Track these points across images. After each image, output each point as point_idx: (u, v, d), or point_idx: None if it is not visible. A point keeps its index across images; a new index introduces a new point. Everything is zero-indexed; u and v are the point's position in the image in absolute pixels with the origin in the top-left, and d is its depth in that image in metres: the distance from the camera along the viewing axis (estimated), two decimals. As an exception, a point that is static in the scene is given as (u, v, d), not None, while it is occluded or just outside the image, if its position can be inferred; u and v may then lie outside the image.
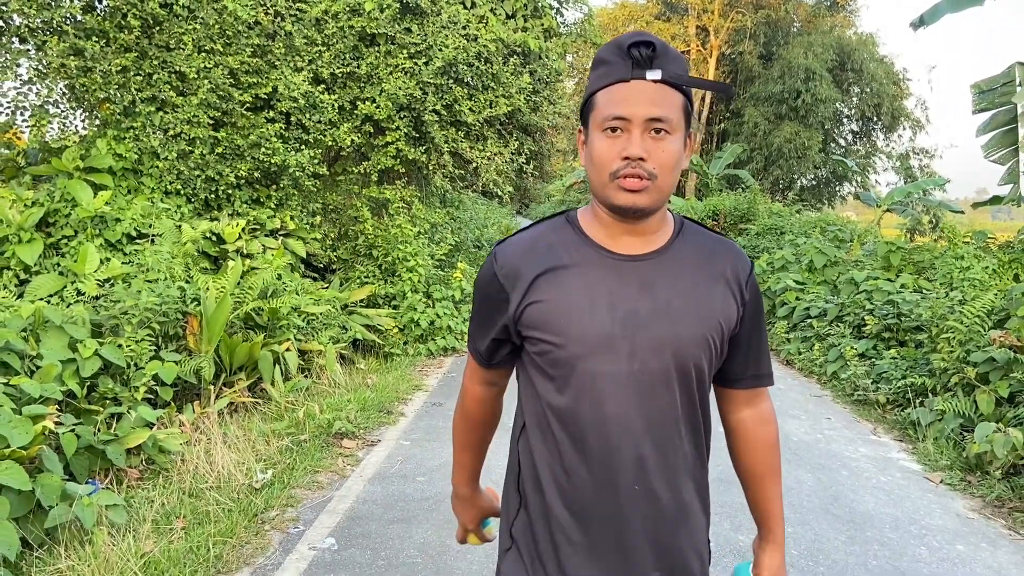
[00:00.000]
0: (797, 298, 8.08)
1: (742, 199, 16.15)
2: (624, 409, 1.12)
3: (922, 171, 28.91)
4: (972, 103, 7.21)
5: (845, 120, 30.46)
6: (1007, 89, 6.90)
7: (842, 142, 30.96)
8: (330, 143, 7.03)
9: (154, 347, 4.73)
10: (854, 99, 28.73)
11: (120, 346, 4.46)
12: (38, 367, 4.06)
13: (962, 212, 17.24)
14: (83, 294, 5.32)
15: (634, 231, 1.15)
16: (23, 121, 6.12)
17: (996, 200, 10.05)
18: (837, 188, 30.58)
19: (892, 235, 12.10)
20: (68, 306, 4.95)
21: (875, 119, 29.46)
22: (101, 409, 4.14)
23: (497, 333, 1.20)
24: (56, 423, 3.65)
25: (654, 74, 1.06)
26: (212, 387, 5.03)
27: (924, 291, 6.58)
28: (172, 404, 4.67)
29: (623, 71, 1.08)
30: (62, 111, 6.30)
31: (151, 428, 4.21)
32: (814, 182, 30.07)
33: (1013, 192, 7.63)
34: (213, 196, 6.56)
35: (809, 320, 7.57)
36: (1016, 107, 6.74)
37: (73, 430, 3.74)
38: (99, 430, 3.97)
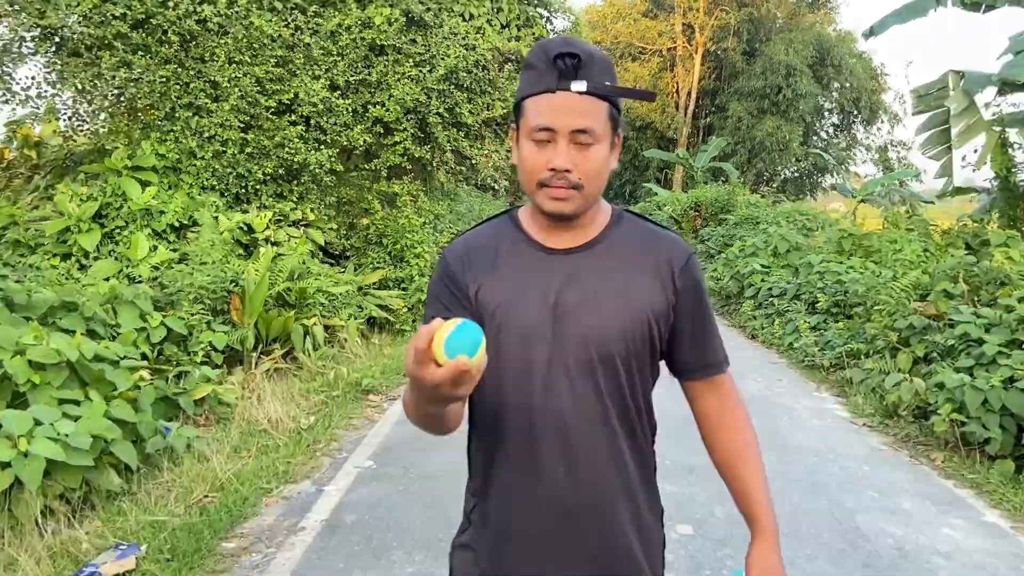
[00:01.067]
0: (762, 280, 9.00)
1: (722, 191, 17.05)
2: (549, 397, 1.13)
3: (900, 163, 29.87)
4: (912, 106, 8.11)
5: (826, 114, 31.45)
6: (941, 94, 7.80)
7: (824, 135, 31.95)
8: (345, 143, 7.86)
9: (206, 320, 5.59)
10: (834, 94, 29.70)
11: (181, 318, 5.32)
12: (118, 334, 4.91)
13: (932, 203, 18.14)
14: (136, 277, 6.16)
15: (566, 226, 1.18)
16: (79, 125, 6.92)
17: (960, 191, 11.01)
18: (819, 180, 31.60)
19: (874, 225, 12.98)
20: (132, 284, 5.79)
21: (855, 113, 30.46)
22: (170, 368, 5.01)
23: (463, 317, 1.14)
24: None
25: (579, 85, 1.08)
26: (253, 355, 5.90)
27: (871, 271, 7.51)
28: (223, 367, 5.53)
29: (549, 81, 1.09)
30: (112, 116, 7.11)
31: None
32: (796, 174, 31.07)
33: (947, 185, 8.56)
34: (243, 191, 7.40)
35: (772, 299, 8.50)
36: (949, 110, 7.65)
37: (152, 383, 4.61)
38: (169, 384, 4.84)
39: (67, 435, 3.32)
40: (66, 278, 5.85)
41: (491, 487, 1.20)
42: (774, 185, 29.84)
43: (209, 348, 5.39)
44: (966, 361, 5.08)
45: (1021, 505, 3.95)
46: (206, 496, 3.58)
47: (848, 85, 28.89)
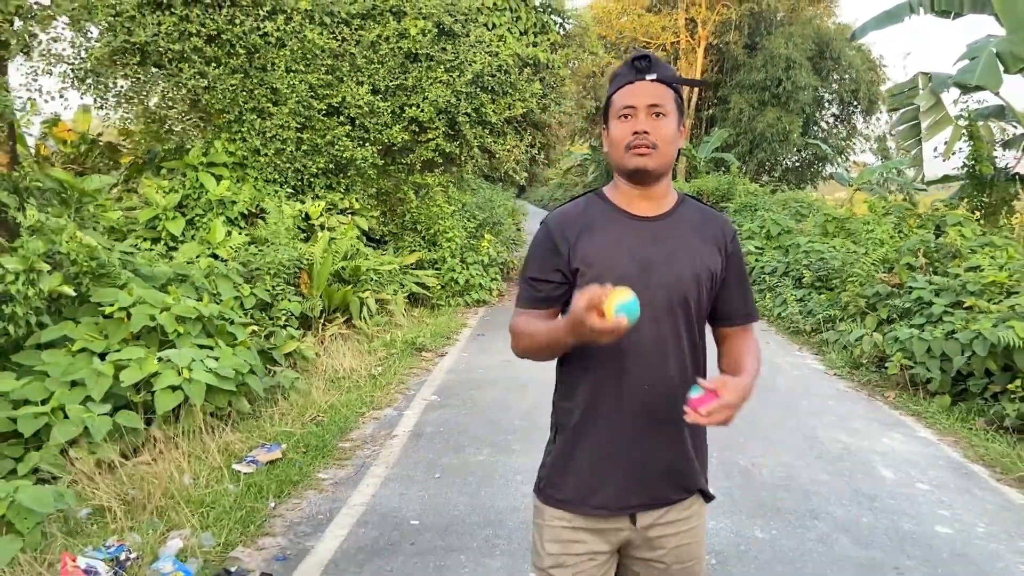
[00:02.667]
0: (756, 260, 10.03)
1: (723, 181, 18.04)
2: (639, 332, 1.39)
3: (899, 152, 30.65)
4: (887, 104, 9.09)
5: (826, 104, 32.29)
6: (912, 93, 8.78)
7: (824, 125, 32.75)
8: (385, 140, 8.90)
9: (285, 292, 6.66)
10: (834, 85, 30.53)
11: (267, 290, 6.40)
12: (220, 300, 5.97)
13: (925, 190, 19.06)
14: (219, 257, 7.23)
15: (647, 196, 1.50)
16: (161, 128, 7.98)
17: (946, 179, 11.99)
18: (820, 169, 32.47)
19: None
20: (224, 263, 6.85)
21: (854, 103, 31.27)
22: (262, 328, 6.08)
23: (553, 276, 1.50)
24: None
25: (651, 76, 1.45)
26: (320, 321, 6.97)
27: (847, 249, 8.54)
28: (300, 330, 6.60)
29: (630, 76, 1.48)
30: (188, 119, 8.17)
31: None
32: (797, 164, 31.94)
33: (917, 174, 9.56)
34: (300, 183, 8.46)
35: (764, 276, 9.53)
36: (919, 107, 8.63)
37: (253, 338, 5.68)
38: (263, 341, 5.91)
39: (215, 369, 4.41)
40: (160, 258, 6.92)
41: (585, 402, 1.50)
42: (775, 175, 30.69)
43: (288, 314, 6.47)
44: (919, 320, 6.13)
45: (950, 426, 5.00)
46: (316, 416, 4.66)
47: (847, 77, 29.73)
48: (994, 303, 5.73)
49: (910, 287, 6.55)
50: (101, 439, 3.84)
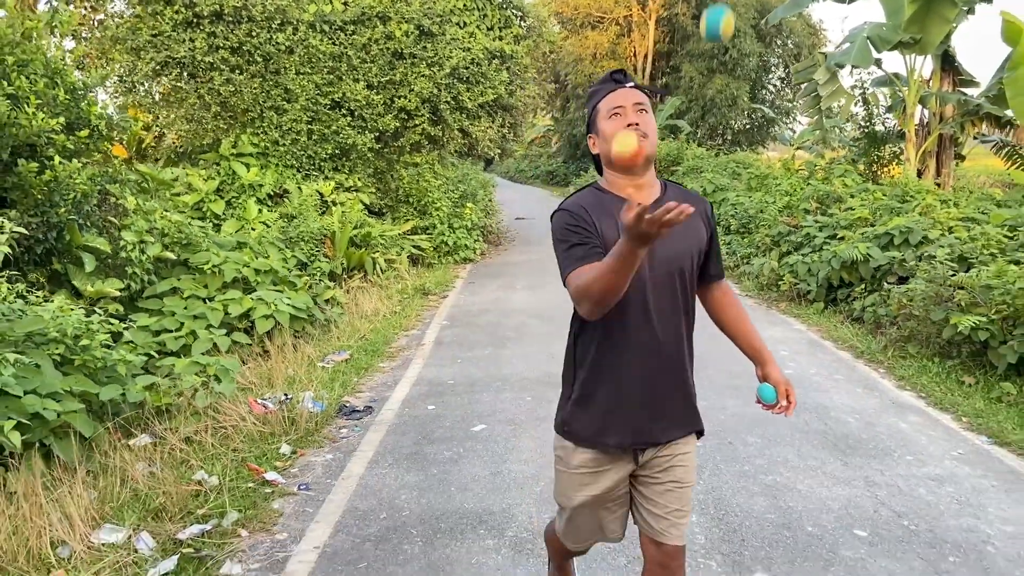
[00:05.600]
0: (695, 214, 11.95)
1: (673, 146, 19.91)
2: (646, 296, 1.76)
3: (837, 110, 32.74)
4: (793, 79, 10.97)
5: (772, 69, 34.28)
6: (812, 69, 10.67)
7: (771, 88, 34.83)
8: (379, 128, 10.57)
9: (317, 254, 8.40)
10: (777, 50, 32.54)
11: (304, 253, 8.13)
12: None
13: (856, 146, 21.05)
14: (254, 228, 8.90)
15: (637, 186, 1.80)
16: (196, 126, 9.58)
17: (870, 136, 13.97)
18: (769, 131, 34.54)
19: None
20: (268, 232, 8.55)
21: (798, 67, 33.33)
22: (307, 280, 7.83)
23: (592, 236, 1.73)
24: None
25: (630, 84, 1.81)
26: (343, 277, 8.73)
27: (764, 200, 10.50)
28: (332, 283, 8.35)
29: (611, 86, 1.81)
30: (216, 119, 9.77)
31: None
32: (747, 127, 33.95)
33: (818, 137, 11.53)
34: (312, 167, 10.13)
35: (701, 227, 11.45)
36: (818, 82, 10.51)
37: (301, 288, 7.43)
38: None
39: (291, 304, 6.18)
40: (209, 232, 8.59)
41: (600, 358, 1.82)
42: (727, 138, 32.68)
43: (321, 272, 8.22)
44: (806, 250, 8.10)
45: (818, 322, 6.98)
46: (364, 336, 6.46)
47: (789, 42, 31.72)
48: (857, 233, 7.70)
49: (802, 226, 8.51)
50: (226, 351, 5.59)
